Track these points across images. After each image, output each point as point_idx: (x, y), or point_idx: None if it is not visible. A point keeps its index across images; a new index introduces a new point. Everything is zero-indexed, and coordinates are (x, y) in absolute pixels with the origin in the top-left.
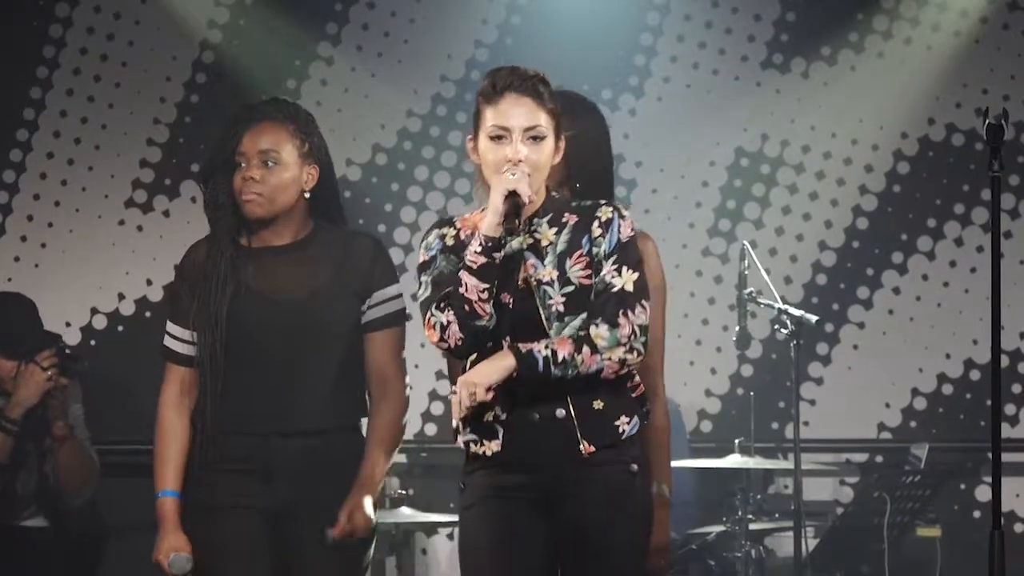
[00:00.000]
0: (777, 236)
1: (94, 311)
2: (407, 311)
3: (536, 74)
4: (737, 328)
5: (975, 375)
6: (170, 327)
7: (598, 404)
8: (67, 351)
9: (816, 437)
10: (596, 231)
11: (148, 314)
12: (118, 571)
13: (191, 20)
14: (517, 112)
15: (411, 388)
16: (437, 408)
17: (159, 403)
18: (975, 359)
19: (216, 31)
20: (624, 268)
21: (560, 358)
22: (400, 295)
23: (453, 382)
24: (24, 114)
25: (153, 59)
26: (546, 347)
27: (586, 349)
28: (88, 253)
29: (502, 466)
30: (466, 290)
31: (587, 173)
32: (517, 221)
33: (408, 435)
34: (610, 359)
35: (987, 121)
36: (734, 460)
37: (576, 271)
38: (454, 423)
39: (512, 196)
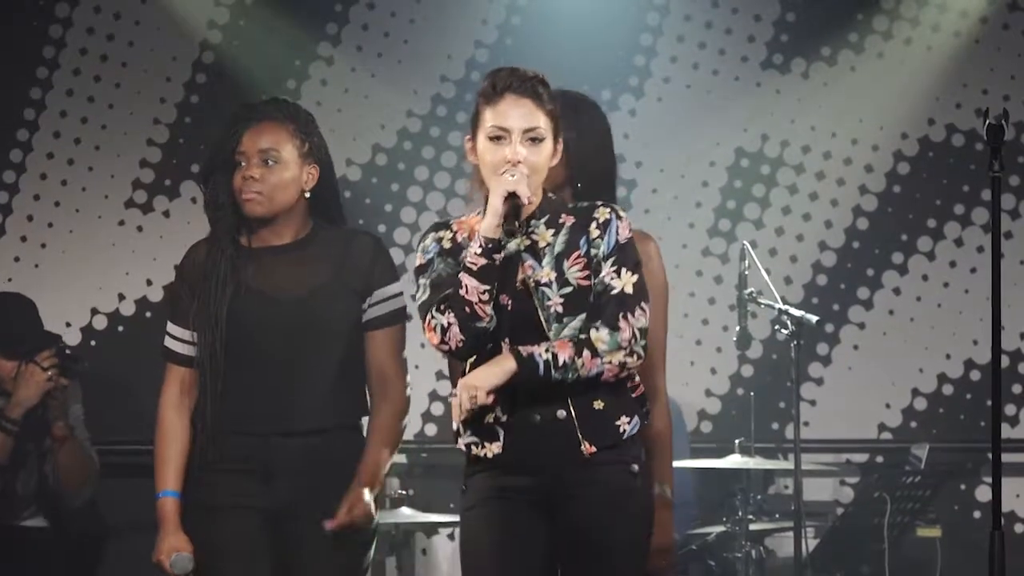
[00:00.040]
0: (777, 236)
1: (94, 311)
2: (407, 311)
3: (536, 75)
4: (737, 328)
5: (975, 375)
6: (170, 328)
7: (598, 404)
8: (67, 351)
9: (816, 437)
10: (594, 232)
11: (148, 314)
12: (118, 571)
13: (191, 20)
14: (516, 113)
15: (411, 388)
16: (437, 408)
17: (159, 404)
18: (975, 359)
19: (216, 31)
20: (623, 270)
21: (561, 362)
22: (400, 293)
23: (454, 383)
24: (24, 114)
25: (153, 59)
26: (547, 351)
27: (586, 353)
28: (88, 253)
29: (503, 468)
30: (467, 292)
31: (589, 173)
32: (517, 222)
33: (408, 435)
34: (610, 363)
35: (987, 121)
36: (734, 460)
37: (574, 272)
38: (455, 426)
39: (512, 198)
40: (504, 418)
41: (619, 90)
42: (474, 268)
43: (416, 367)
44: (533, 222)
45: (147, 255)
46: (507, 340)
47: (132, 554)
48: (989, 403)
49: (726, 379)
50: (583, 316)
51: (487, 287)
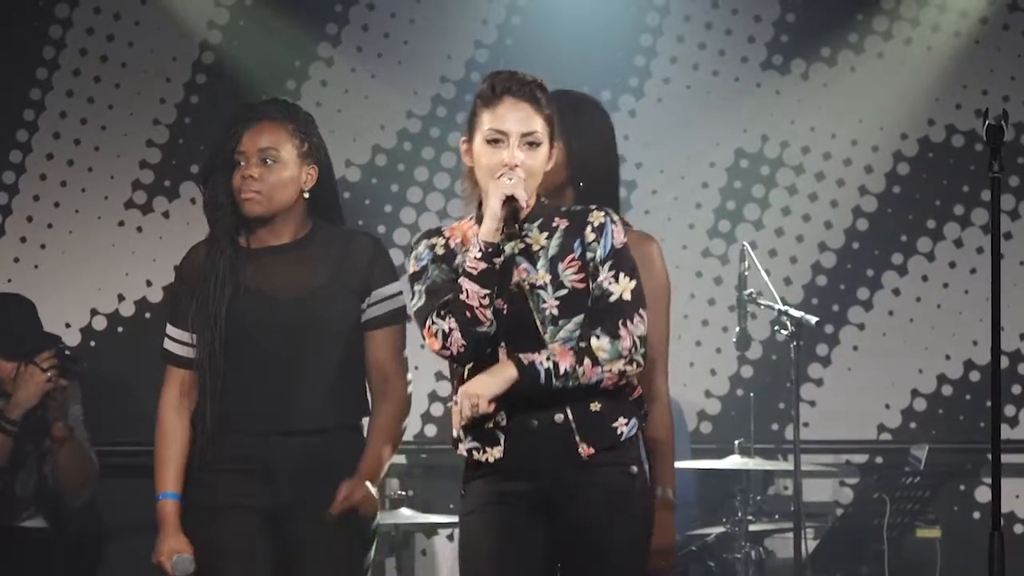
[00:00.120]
0: (777, 237)
1: (94, 312)
2: (407, 312)
3: (534, 80)
4: (737, 329)
5: (975, 376)
6: (169, 329)
7: (595, 407)
8: (67, 352)
9: (816, 438)
10: (589, 236)
11: (148, 315)
12: (117, 572)
13: (191, 21)
14: (514, 117)
15: (411, 386)
16: (437, 409)
17: (159, 405)
18: (975, 360)
19: (216, 32)
20: (621, 275)
21: (562, 370)
22: (400, 293)
23: (455, 388)
24: (24, 115)
25: (153, 60)
26: (548, 359)
27: (587, 361)
28: (88, 254)
29: (504, 473)
30: (467, 297)
31: (591, 173)
32: (517, 226)
33: (408, 436)
34: (610, 371)
35: (987, 122)
36: (734, 461)
37: (569, 275)
38: (455, 433)
39: (510, 201)
40: (504, 423)
41: (619, 91)
42: (474, 273)
43: (416, 368)
44: (527, 225)
45: (147, 256)
46: (503, 343)
47: (131, 555)
48: (989, 404)
49: (726, 380)
50: (578, 319)
51: (487, 291)
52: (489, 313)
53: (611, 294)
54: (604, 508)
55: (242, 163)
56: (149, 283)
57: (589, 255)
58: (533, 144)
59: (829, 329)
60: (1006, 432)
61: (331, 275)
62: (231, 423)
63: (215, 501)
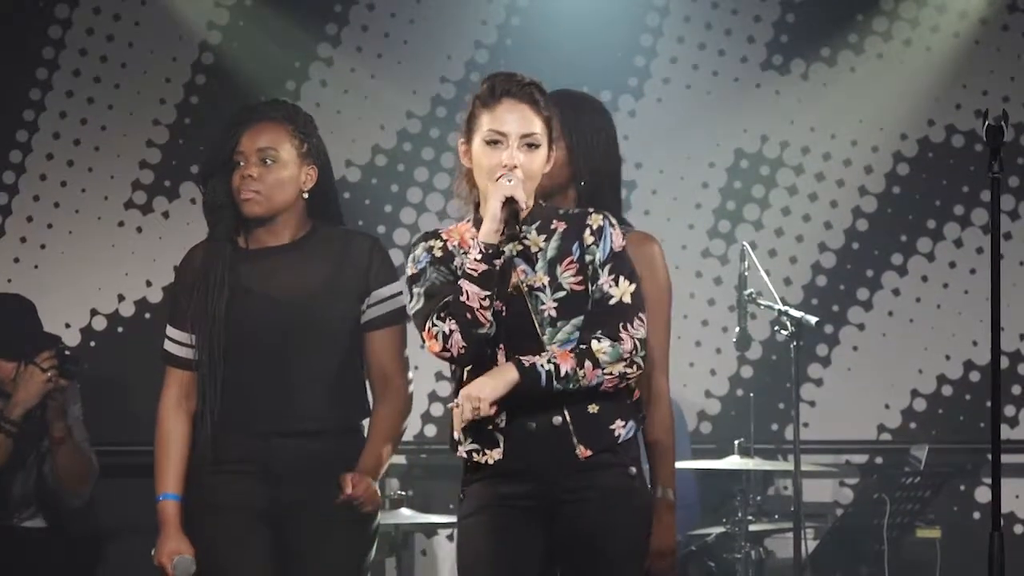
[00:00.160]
0: (777, 237)
1: (94, 312)
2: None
3: (533, 81)
4: (737, 329)
5: (975, 376)
6: (169, 331)
7: (593, 408)
8: (66, 352)
9: (816, 438)
10: (588, 239)
11: (147, 315)
12: (116, 572)
13: (191, 21)
14: (514, 118)
15: (412, 385)
16: (437, 409)
17: (159, 407)
18: (975, 360)
19: (216, 32)
20: (621, 279)
21: (562, 373)
22: (400, 293)
23: (455, 391)
24: (24, 115)
25: (153, 60)
26: (548, 361)
27: (588, 364)
28: (88, 254)
29: (503, 475)
30: (467, 298)
31: (592, 172)
32: (518, 227)
33: (407, 436)
34: (611, 374)
35: (987, 122)
36: (734, 461)
37: (568, 277)
38: (456, 435)
39: (510, 203)
40: (502, 425)
41: (619, 91)
42: (474, 274)
43: (416, 368)
44: (525, 227)
45: (147, 256)
46: (502, 345)
47: (131, 555)
48: (988, 404)
49: (725, 380)
50: (576, 321)
51: (488, 293)
52: (489, 315)
53: (611, 297)
54: (603, 510)
55: (241, 163)
56: (149, 283)
57: (588, 258)
58: (532, 146)
59: (829, 329)
60: (1006, 432)
61: (331, 276)
62: (231, 424)
63: (215, 501)
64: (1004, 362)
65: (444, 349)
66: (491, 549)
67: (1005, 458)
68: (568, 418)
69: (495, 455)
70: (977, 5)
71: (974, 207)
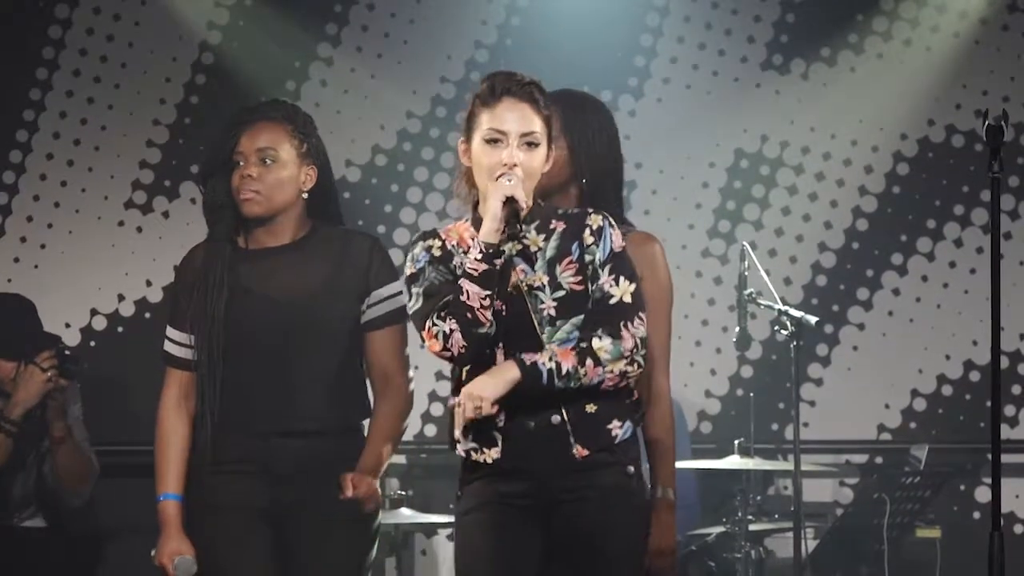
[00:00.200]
0: (777, 237)
1: (94, 312)
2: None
3: (532, 80)
4: (737, 329)
5: (975, 376)
6: (169, 332)
7: (591, 408)
8: (66, 352)
9: (816, 438)
10: (588, 239)
11: (147, 315)
12: (116, 572)
13: (191, 21)
14: (514, 117)
15: (413, 383)
16: (437, 409)
17: (159, 407)
18: (975, 360)
19: (216, 32)
20: (621, 278)
21: (564, 371)
22: (400, 292)
23: (456, 389)
24: (24, 115)
25: (153, 60)
26: (550, 359)
27: (589, 362)
28: (88, 254)
29: (501, 474)
30: (467, 298)
31: (594, 170)
32: (518, 226)
33: (407, 436)
34: (612, 372)
35: (987, 122)
36: (734, 461)
37: (567, 277)
38: (456, 434)
39: (510, 202)
40: (501, 424)
41: (619, 91)
42: (475, 274)
43: (416, 367)
44: (524, 227)
45: (147, 256)
46: (501, 344)
47: (130, 555)
48: (988, 404)
49: (725, 380)
50: (575, 320)
51: (488, 292)
52: (489, 314)
53: (611, 296)
54: (601, 509)
55: (241, 163)
56: (149, 283)
57: (587, 258)
58: (532, 144)
59: (829, 329)
60: (1006, 432)
61: (330, 276)
62: (231, 424)
63: (215, 502)
64: (1004, 362)
65: (444, 349)
66: (490, 547)
67: (1005, 458)
68: (566, 417)
69: (493, 454)
70: (977, 5)
71: (974, 207)
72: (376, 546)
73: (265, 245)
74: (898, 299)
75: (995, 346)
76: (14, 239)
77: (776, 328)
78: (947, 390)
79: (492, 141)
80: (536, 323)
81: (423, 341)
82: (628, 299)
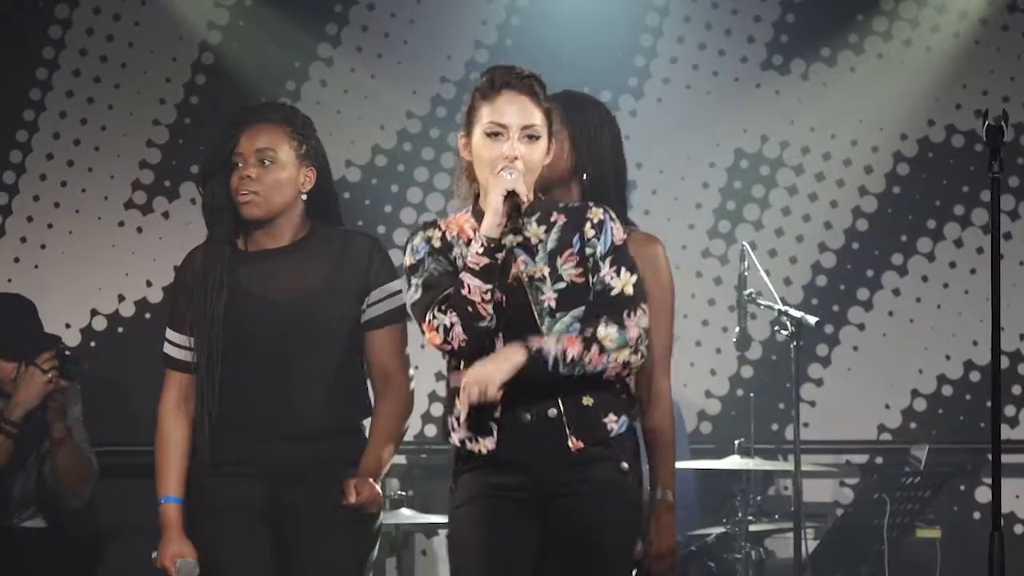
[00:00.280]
0: (777, 237)
1: (94, 312)
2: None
3: (532, 73)
4: (737, 329)
5: (975, 376)
6: (169, 333)
7: (587, 401)
8: (67, 353)
9: (816, 438)
10: (589, 232)
11: (148, 315)
12: (116, 572)
13: (190, 21)
14: (514, 110)
15: (414, 382)
16: (437, 409)
17: (159, 410)
18: (975, 360)
19: (216, 32)
20: (622, 270)
21: (569, 357)
22: (400, 292)
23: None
24: (24, 115)
25: (153, 60)
26: (556, 343)
27: (594, 349)
28: (88, 254)
29: (495, 465)
30: (468, 292)
31: (595, 166)
32: (520, 220)
33: (408, 436)
34: (615, 361)
35: (987, 122)
36: (734, 461)
37: (568, 269)
38: (452, 421)
39: (511, 196)
40: (497, 415)
41: (619, 91)
42: (476, 268)
43: (416, 368)
44: (525, 219)
45: (147, 256)
46: (500, 335)
47: (130, 555)
48: (989, 404)
49: (725, 380)
50: (575, 312)
51: (489, 286)
52: (490, 308)
53: (612, 288)
54: (598, 503)
55: (240, 165)
56: (149, 283)
57: (588, 251)
58: (532, 137)
59: (829, 329)
60: (1006, 432)
61: (330, 276)
62: (231, 426)
63: (215, 503)
64: (1004, 362)
65: (445, 342)
66: (483, 539)
67: (1005, 458)
68: (563, 410)
69: (488, 444)
70: (977, 5)
71: (974, 207)
72: (377, 546)
73: (264, 247)
74: (898, 299)
75: (995, 346)
76: (14, 239)
77: (776, 328)
78: (947, 390)
79: (492, 135)
80: (536, 314)
81: (423, 333)
82: (630, 291)
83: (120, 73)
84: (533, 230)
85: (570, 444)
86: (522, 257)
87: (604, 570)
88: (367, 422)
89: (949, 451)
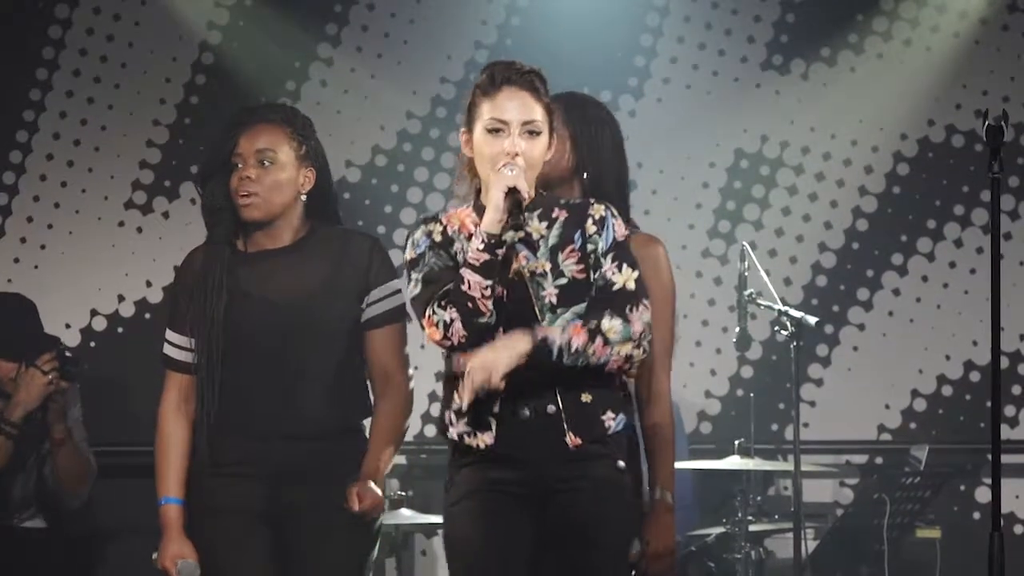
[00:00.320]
0: (777, 237)
1: (94, 313)
2: (406, 308)
3: (532, 69)
4: (737, 329)
5: (975, 376)
6: (169, 334)
7: (586, 398)
8: (67, 354)
9: (816, 438)
10: (591, 228)
11: (147, 316)
12: (116, 572)
13: (190, 22)
14: (514, 105)
15: (413, 381)
16: (437, 410)
17: (159, 411)
18: (975, 360)
19: (216, 32)
20: (624, 266)
21: (574, 347)
22: (399, 291)
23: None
24: (24, 116)
25: (153, 61)
26: (562, 332)
27: (599, 340)
28: (88, 255)
29: (493, 461)
30: (469, 287)
31: (595, 163)
32: (521, 216)
33: (408, 437)
34: (618, 354)
35: (987, 122)
36: (734, 462)
37: (569, 265)
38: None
39: (512, 192)
40: (496, 410)
41: (619, 91)
42: (476, 264)
43: (416, 368)
44: (526, 215)
45: (147, 256)
46: (501, 330)
47: (130, 556)
48: (989, 404)
49: (725, 380)
50: (576, 308)
51: (489, 282)
52: (490, 304)
53: (614, 283)
54: (596, 501)
55: (239, 165)
56: (149, 284)
57: (590, 247)
58: (533, 133)
59: (829, 329)
60: (1006, 432)
61: (330, 276)
62: (231, 426)
63: (215, 504)
64: (1004, 362)
65: (445, 337)
66: (480, 534)
67: (1005, 458)
68: (561, 406)
69: (486, 439)
70: (977, 5)
71: (974, 207)
72: (377, 547)
73: (264, 247)
74: (898, 299)
75: (995, 346)
76: (14, 240)
77: (776, 328)
78: (947, 390)
79: (493, 131)
80: (537, 310)
81: (423, 329)
82: (632, 286)
83: (120, 73)
84: (535, 225)
85: (568, 441)
86: (524, 252)
87: (600, 566)
88: (367, 422)
89: (949, 451)
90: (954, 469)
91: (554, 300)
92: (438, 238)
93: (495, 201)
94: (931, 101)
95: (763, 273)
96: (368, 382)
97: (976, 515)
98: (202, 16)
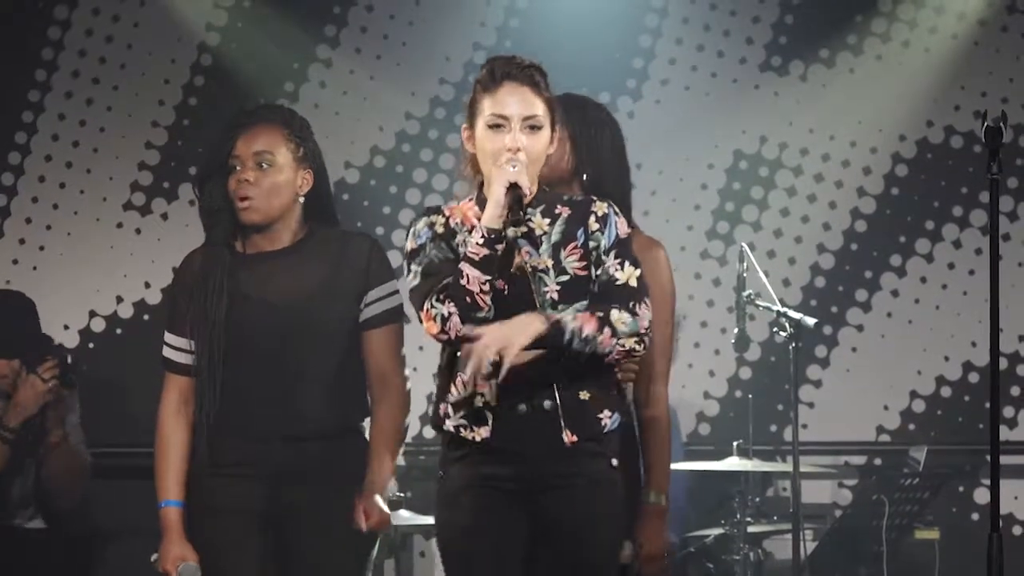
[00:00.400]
0: (775, 238)
1: (92, 314)
2: (404, 309)
3: (532, 63)
4: (735, 331)
5: (973, 377)
6: (168, 337)
7: (584, 395)
8: (68, 362)
9: (814, 440)
10: (593, 225)
11: (146, 317)
12: (115, 573)
13: (189, 23)
14: (515, 101)
15: (410, 382)
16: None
17: (159, 413)
18: (973, 361)
19: (214, 34)
20: (626, 263)
21: (585, 334)
22: (397, 292)
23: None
24: (23, 117)
25: (151, 62)
26: (574, 319)
27: (607, 330)
28: (86, 256)
29: (487, 455)
30: (467, 282)
31: (595, 163)
32: (522, 212)
33: (407, 438)
34: (622, 346)
35: (985, 124)
36: (732, 463)
37: (571, 261)
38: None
39: (514, 188)
40: (492, 404)
41: (617, 92)
42: (476, 258)
43: (415, 369)
44: (529, 210)
45: (145, 257)
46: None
47: (129, 556)
48: (987, 405)
49: (724, 381)
50: (578, 305)
51: (488, 277)
52: (488, 299)
53: (617, 279)
54: (588, 498)
55: (237, 167)
56: (147, 285)
57: (592, 244)
58: (535, 128)
59: (828, 331)
60: (1005, 434)
61: (328, 277)
62: (231, 427)
63: (214, 505)
64: (1003, 363)
65: (442, 331)
66: (474, 529)
67: (1004, 459)
68: (559, 403)
69: (482, 433)
70: (976, 7)
71: (973, 208)
72: (376, 548)
73: (262, 249)
74: (897, 300)
75: (994, 347)
76: (13, 241)
77: (775, 330)
78: (946, 391)
79: (495, 126)
80: (539, 306)
81: (420, 322)
82: (634, 283)
83: (119, 74)
84: (537, 221)
85: (564, 437)
86: (526, 248)
87: (592, 563)
88: (367, 422)
89: (948, 452)
90: (953, 470)
91: (555, 296)
92: (440, 229)
93: (496, 196)
94: (930, 102)
95: (762, 274)
96: (366, 384)
97: (975, 516)
98: (201, 17)
